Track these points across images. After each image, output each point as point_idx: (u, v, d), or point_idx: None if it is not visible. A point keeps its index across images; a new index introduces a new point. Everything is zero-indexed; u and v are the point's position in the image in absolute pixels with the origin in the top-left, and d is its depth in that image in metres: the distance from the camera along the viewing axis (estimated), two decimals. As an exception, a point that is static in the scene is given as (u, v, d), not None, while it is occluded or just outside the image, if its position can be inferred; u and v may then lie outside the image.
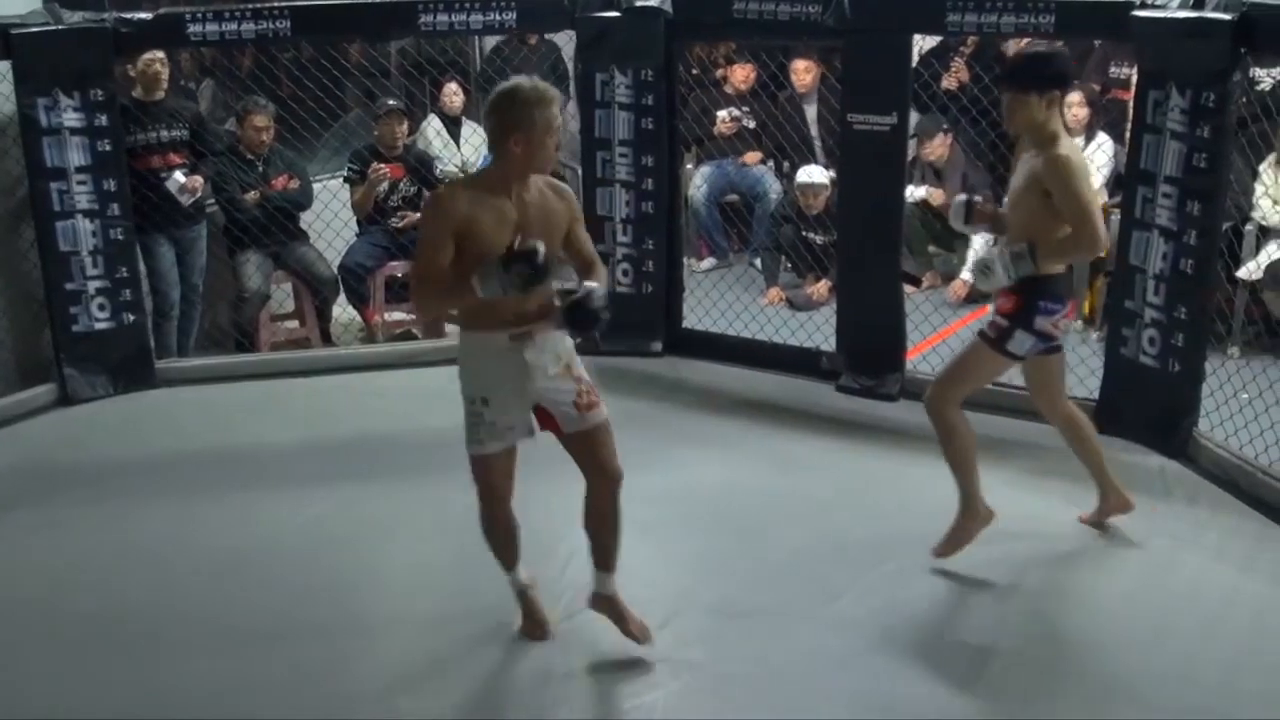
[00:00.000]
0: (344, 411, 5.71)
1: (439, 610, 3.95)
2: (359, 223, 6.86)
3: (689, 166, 7.73)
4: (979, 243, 7.01)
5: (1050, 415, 4.21)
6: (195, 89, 8.13)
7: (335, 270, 6.69)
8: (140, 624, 3.92)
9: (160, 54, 6.08)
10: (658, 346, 6.25)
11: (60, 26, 5.54)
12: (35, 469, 5.14)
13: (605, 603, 3.68)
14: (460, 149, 7.72)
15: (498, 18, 6.07)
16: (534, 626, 3.73)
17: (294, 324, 6.89)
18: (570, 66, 8.16)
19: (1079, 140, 6.64)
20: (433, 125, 7.75)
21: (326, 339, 6.73)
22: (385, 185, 6.71)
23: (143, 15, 5.77)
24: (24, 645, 3.83)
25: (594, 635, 3.76)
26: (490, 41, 8.54)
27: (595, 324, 3.28)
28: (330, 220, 6.69)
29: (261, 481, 4.88)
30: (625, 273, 6.22)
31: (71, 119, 5.57)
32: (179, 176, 6.05)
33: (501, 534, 3.63)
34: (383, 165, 6.67)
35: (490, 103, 3.30)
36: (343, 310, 6.86)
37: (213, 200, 6.46)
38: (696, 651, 3.70)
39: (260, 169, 6.48)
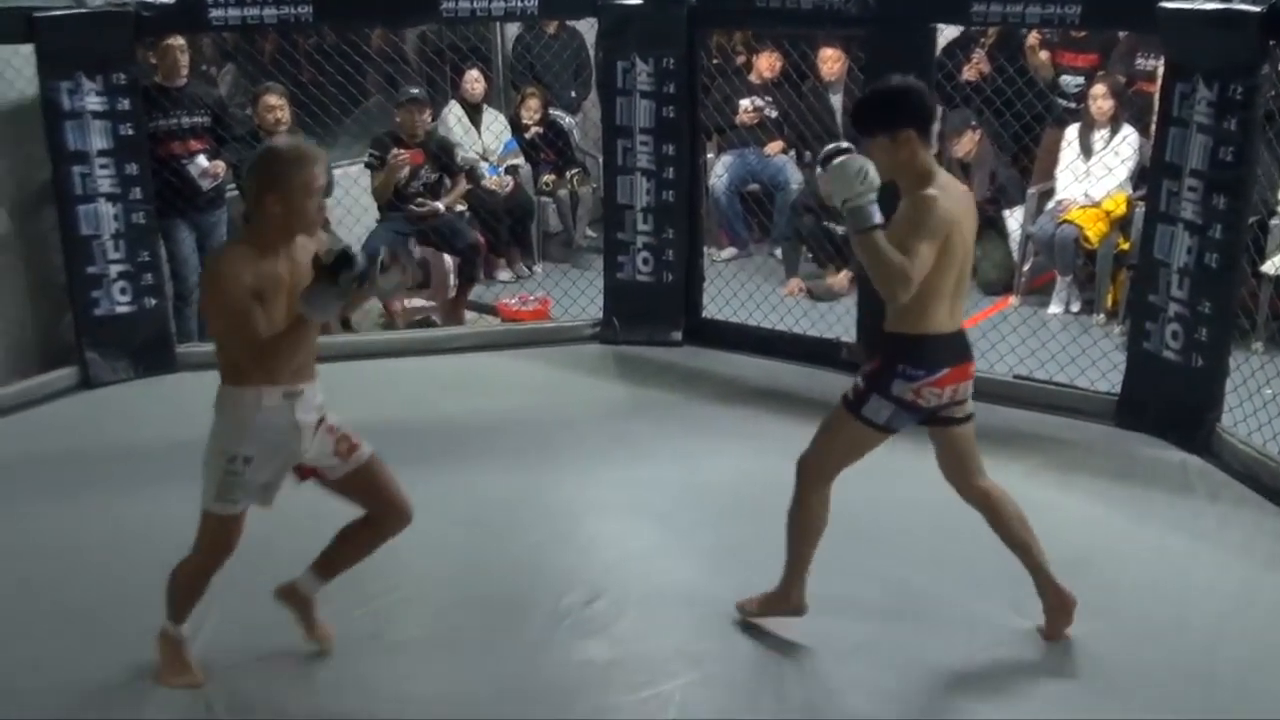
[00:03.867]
0: (362, 398, 5.69)
1: (452, 597, 3.95)
2: (379, 209, 6.85)
3: (710, 155, 7.71)
4: (1013, 226, 6.98)
5: (963, 494, 3.68)
6: (216, 74, 8.14)
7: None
8: (156, 607, 3.92)
9: (180, 40, 6.09)
10: (677, 336, 6.24)
11: (83, 10, 5.55)
12: (56, 452, 5.15)
13: (302, 602, 3.62)
14: (481, 135, 7.71)
15: (520, 4, 6.06)
16: (190, 675, 3.51)
17: (314, 310, 6.89)
18: (592, 54, 8.16)
19: (1103, 131, 6.60)
20: (454, 112, 7.74)
21: (346, 325, 6.73)
22: (406, 171, 6.71)
23: (166, -1, 5.77)
24: (39, 626, 3.84)
25: (609, 624, 3.76)
26: (513, 30, 8.53)
27: (354, 267, 3.04)
28: (351, 206, 6.69)
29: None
30: (645, 261, 6.21)
31: (94, 102, 5.58)
32: (201, 161, 6.07)
33: (201, 589, 3.46)
34: (403, 152, 6.66)
35: (249, 163, 3.24)
36: (363, 296, 6.84)
37: (234, 186, 6.47)
38: (712, 642, 3.70)
39: (281, 155, 6.46)
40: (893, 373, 3.38)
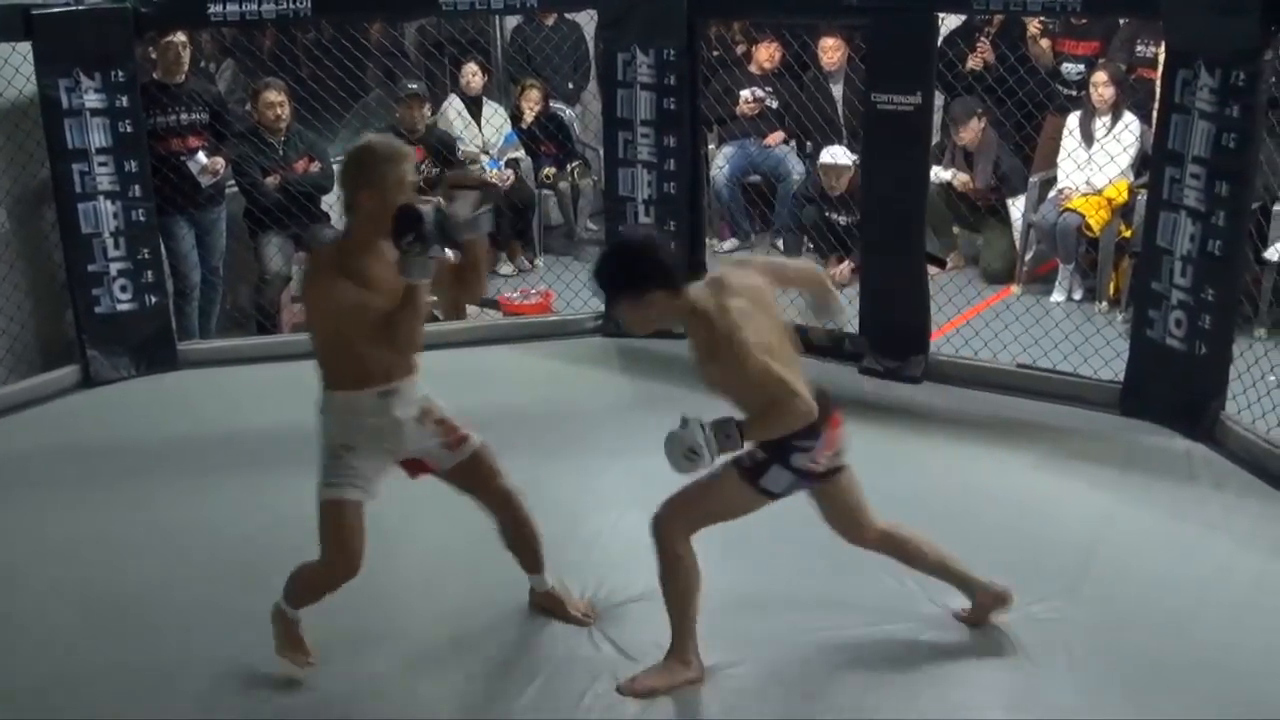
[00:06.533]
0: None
1: (459, 593, 3.95)
2: (380, 203, 6.83)
3: (711, 147, 7.69)
4: (1015, 214, 6.96)
5: (863, 543, 3.55)
6: (215, 70, 8.12)
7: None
8: (156, 603, 3.93)
9: (181, 36, 6.08)
10: (680, 328, 6.20)
11: (81, 7, 5.53)
12: (58, 450, 5.15)
13: (544, 598, 3.78)
14: (481, 129, 7.70)
15: (520, -4, 6.05)
16: (302, 654, 3.53)
17: (315, 305, 6.87)
18: (591, 46, 8.15)
19: (1105, 119, 6.58)
20: (454, 106, 7.72)
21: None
22: (406, 166, 6.69)
23: (164, -6, 5.75)
24: (37, 621, 3.85)
25: (615, 620, 3.75)
26: (511, 22, 8.52)
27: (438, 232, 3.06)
28: (351, 201, 6.67)
29: (282, 463, 4.85)
30: (647, 254, 6.18)
31: (93, 100, 5.57)
32: (201, 157, 6.05)
33: (316, 596, 3.46)
34: (404, 147, 6.64)
35: (343, 160, 3.29)
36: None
37: (233, 183, 6.46)
38: (719, 637, 3.65)
39: (281, 151, 6.47)
40: (789, 447, 3.25)
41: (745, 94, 7.69)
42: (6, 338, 5.76)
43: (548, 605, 3.78)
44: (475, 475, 3.54)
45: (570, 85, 8.42)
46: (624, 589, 3.91)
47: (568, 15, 8.17)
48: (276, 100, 6.42)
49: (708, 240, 6.88)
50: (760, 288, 3.33)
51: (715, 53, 7.91)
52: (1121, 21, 7.05)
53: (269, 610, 3.59)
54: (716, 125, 7.81)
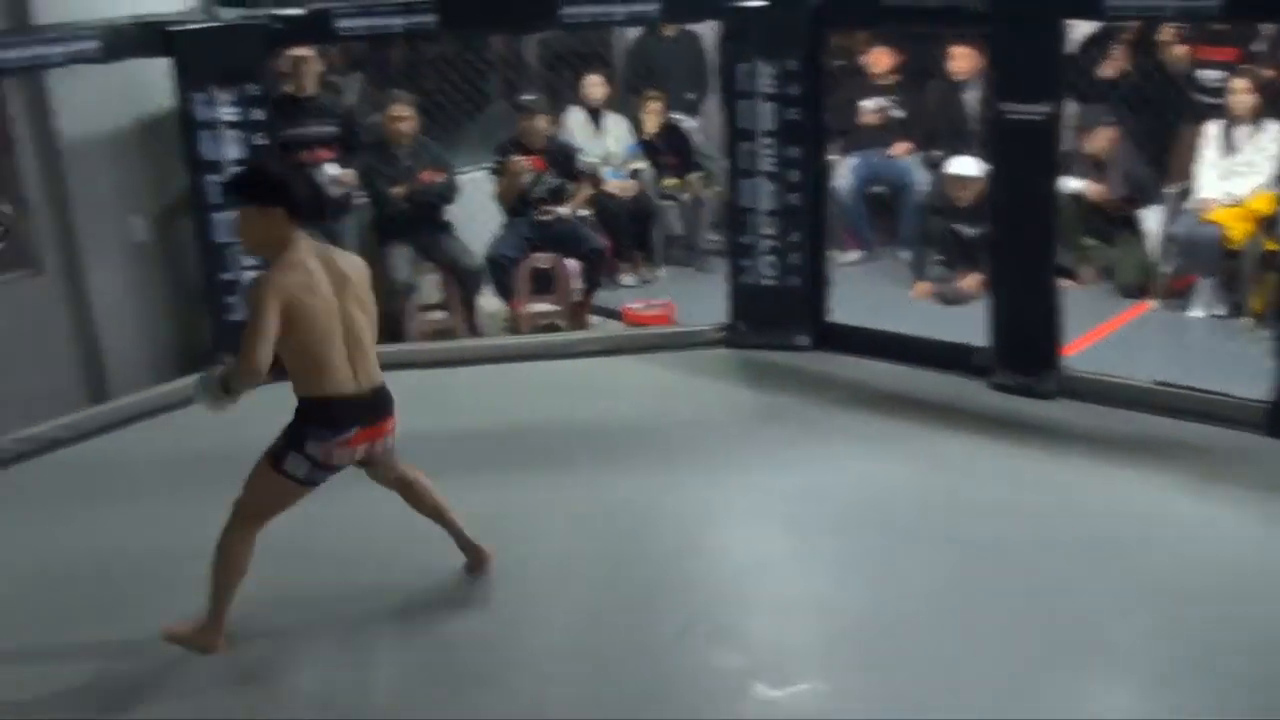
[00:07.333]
0: (491, 402, 5.74)
1: (586, 602, 3.94)
2: (505, 212, 6.89)
3: (834, 157, 7.59)
4: (1148, 226, 6.77)
5: (386, 483, 3.94)
6: (341, 83, 8.26)
7: (481, 261, 6.73)
8: (281, 603, 3.98)
9: (310, 51, 6.20)
10: (804, 340, 6.14)
11: (217, 23, 5.67)
12: (190, 456, 5.25)
13: None
14: (603, 140, 7.71)
15: (641, 8, 6.03)
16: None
17: (441, 314, 6.96)
18: (711, 57, 8.11)
19: (1245, 128, 6.36)
20: (575, 117, 7.75)
21: (473, 329, 6.77)
22: (529, 177, 6.74)
23: (295, 11, 5.87)
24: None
25: (741, 632, 3.72)
26: (632, 33, 8.53)
27: None
28: (476, 212, 6.73)
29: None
30: (770, 265, 6.13)
31: (227, 113, 5.70)
32: (331, 169, 6.17)
33: None
34: (523, 158, 6.69)
35: None
36: (489, 300, 6.90)
37: (362, 194, 6.56)
38: (845, 651, 3.64)
39: (407, 163, 6.55)
40: (305, 433, 3.49)
41: (869, 104, 7.59)
42: (148, 344, 5.92)
43: None
44: None
45: (691, 96, 8.40)
46: (749, 601, 3.87)
47: (688, 26, 8.15)
48: (403, 113, 6.51)
49: (831, 252, 6.80)
50: (359, 275, 3.67)
51: (839, 62, 7.81)
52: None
53: (406, 613, 3.59)
54: (840, 135, 7.71)
